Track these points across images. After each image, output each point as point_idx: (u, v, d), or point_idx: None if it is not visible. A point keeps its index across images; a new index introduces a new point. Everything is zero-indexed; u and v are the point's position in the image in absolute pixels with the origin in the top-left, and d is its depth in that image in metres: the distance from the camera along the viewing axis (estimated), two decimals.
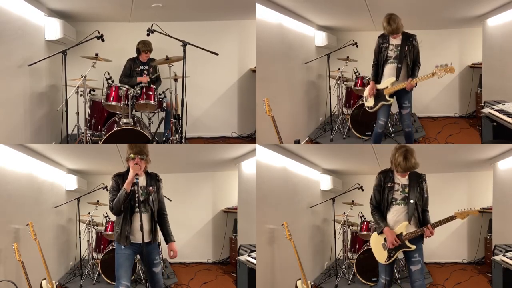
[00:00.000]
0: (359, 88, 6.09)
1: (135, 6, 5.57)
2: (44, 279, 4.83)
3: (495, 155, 5.60)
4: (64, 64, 4.89)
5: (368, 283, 5.69)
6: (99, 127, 5.37)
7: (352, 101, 6.24)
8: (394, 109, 5.58)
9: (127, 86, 5.14)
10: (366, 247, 5.67)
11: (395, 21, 4.35)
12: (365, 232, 5.92)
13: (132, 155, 3.74)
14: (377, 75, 4.58)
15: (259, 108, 5.00)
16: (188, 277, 6.05)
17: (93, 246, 6.11)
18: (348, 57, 6.20)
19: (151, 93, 5.19)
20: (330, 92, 6.29)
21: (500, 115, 4.86)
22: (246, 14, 5.83)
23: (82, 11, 5.78)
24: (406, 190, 3.84)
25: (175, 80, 5.30)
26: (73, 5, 5.57)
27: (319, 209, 6.35)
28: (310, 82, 6.48)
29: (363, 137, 5.91)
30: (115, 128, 4.93)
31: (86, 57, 5.22)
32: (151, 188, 3.85)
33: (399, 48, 4.45)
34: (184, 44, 4.88)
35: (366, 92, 4.67)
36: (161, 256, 5.76)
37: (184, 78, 4.91)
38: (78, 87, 5.08)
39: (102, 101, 5.24)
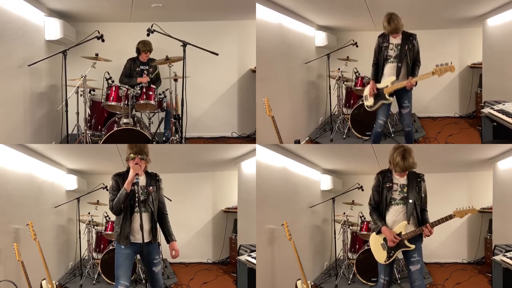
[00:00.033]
0: (359, 88, 6.09)
1: (135, 6, 5.57)
2: (44, 279, 4.83)
3: (495, 155, 5.60)
4: (64, 64, 4.89)
5: (368, 283, 5.69)
6: (99, 127, 5.37)
7: (352, 101, 6.24)
8: (394, 109, 5.58)
9: (127, 86, 5.15)
10: (366, 247, 5.67)
11: (395, 21, 4.35)
12: (365, 232, 5.92)
13: (132, 155, 3.74)
14: (377, 75, 4.58)
15: (259, 108, 5.00)
16: (188, 277, 6.05)
17: (93, 246, 6.11)
18: (348, 57, 6.20)
19: (151, 93, 5.20)
20: (330, 92, 6.29)
21: (500, 115, 4.86)
22: (246, 14, 5.83)
23: (82, 11, 5.78)
24: (405, 190, 3.85)
25: (175, 80, 5.30)
26: (73, 5, 5.57)
27: (319, 209, 6.35)
28: (310, 82, 6.48)
29: (363, 137, 5.91)
30: (115, 128, 4.93)
31: (86, 57, 5.22)
32: (151, 188, 3.85)
33: (399, 47, 4.45)
34: (184, 44, 4.88)
35: (366, 91, 4.67)
36: (161, 256, 5.77)
37: (184, 78, 4.91)
38: (78, 87, 5.08)
39: (102, 101, 5.24)
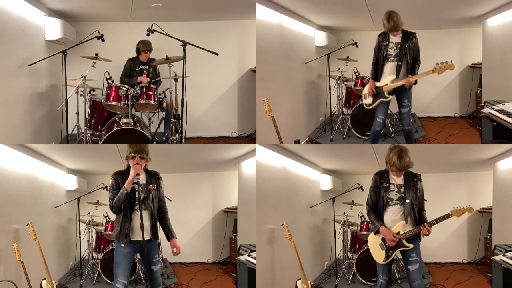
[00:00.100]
0: (359, 88, 6.09)
1: (135, 6, 5.57)
2: (44, 279, 4.83)
3: (495, 155, 5.60)
4: (64, 64, 4.89)
5: (368, 283, 5.69)
6: (99, 127, 5.37)
7: (352, 101, 6.24)
8: (394, 108, 5.59)
9: (127, 86, 5.15)
10: (366, 247, 5.67)
11: (395, 18, 4.35)
12: (365, 232, 5.92)
13: (132, 154, 3.74)
14: (377, 73, 4.59)
15: (259, 108, 5.00)
16: (188, 277, 6.05)
17: (93, 246, 6.11)
18: (348, 57, 6.20)
19: (151, 93, 5.20)
20: (330, 92, 6.29)
21: (500, 115, 4.86)
22: (246, 14, 5.83)
23: (82, 11, 5.78)
24: (402, 190, 3.85)
25: (175, 80, 5.30)
26: (73, 5, 5.57)
27: (319, 209, 6.35)
28: (310, 82, 6.48)
29: (363, 137, 5.91)
30: (115, 128, 4.93)
31: (86, 57, 5.22)
32: (151, 186, 3.84)
33: (399, 46, 4.45)
34: (184, 44, 4.88)
35: (365, 90, 4.67)
36: (161, 256, 5.77)
37: (184, 78, 4.91)
38: (78, 87, 5.08)
39: (102, 101, 5.24)
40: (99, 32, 4.87)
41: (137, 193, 3.73)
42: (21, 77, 4.97)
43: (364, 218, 6.01)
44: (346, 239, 6.15)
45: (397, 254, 3.91)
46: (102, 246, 6.02)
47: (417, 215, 3.85)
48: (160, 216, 3.95)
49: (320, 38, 6.56)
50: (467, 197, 6.68)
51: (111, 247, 5.61)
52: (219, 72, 6.39)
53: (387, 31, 4.46)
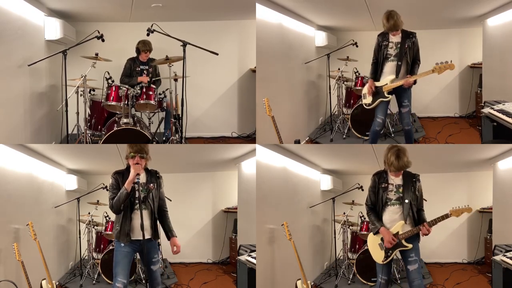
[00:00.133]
0: (359, 88, 6.09)
1: (135, 6, 5.57)
2: (44, 279, 4.83)
3: (495, 155, 5.60)
4: (64, 64, 4.89)
5: (368, 283, 5.69)
6: (99, 127, 5.37)
7: (352, 101, 6.24)
8: (394, 108, 5.59)
9: (127, 86, 5.15)
10: (366, 247, 5.67)
11: (395, 17, 4.36)
12: (365, 232, 5.92)
13: (132, 153, 3.73)
14: (376, 73, 4.59)
15: (259, 108, 5.00)
16: (188, 277, 6.04)
17: (93, 246, 6.11)
18: (348, 57, 6.20)
19: (151, 93, 5.20)
20: (330, 92, 6.29)
21: (500, 115, 4.86)
22: (246, 14, 5.83)
23: (82, 11, 5.78)
24: (400, 190, 3.86)
25: (175, 80, 5.30)
26: (73, 5, 5.57)
27: (319, 209, 6.35)
28: (310, 82, 6.48)
29: (363, 137, 5.91)
30: (115, 128, 4.93)
31: (86, 57, 5.22)
32: (151, 185, 3.84)
33: (399, 45, 4.45)
34: (184, 44, 4.88)
35: (365, 89, 4.67)
36: (161, 256, 5.77)
37: (184, 78, 4.91)
38: (78, 87, 5.08)
39: (102, 101, 5.24)
40: (99, 32, 4.87)
41: (137, 192, 3.73)
42: (21, 77, 4.97)
43: (364, 218, 6.00)
44: (346, 239, 6.15)
45: (397, 254, 3.91)
46: (102, 246, 6.02)
47: (416, 215, 3.86)
48: (160, 215, 3.95)
49: (320, 38, 6.57)
50: (467, 197, 6.68)
51: (111, 247, 5.61)
52: (219, 72, 6.39)
53: (386, 30, 4.46)
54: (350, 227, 6.20)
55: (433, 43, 6.46)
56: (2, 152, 4.74)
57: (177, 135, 5.19)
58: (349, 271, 5.95)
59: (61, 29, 5.58)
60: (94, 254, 6.08)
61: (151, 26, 4.77)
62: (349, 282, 5.84)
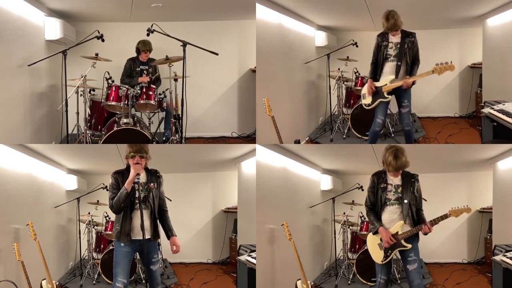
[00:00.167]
0: (359, 88, 6.09)
1: (135, 6, 5.57)
2: (44, 279, 4.83)
3: (495, 155, 5.60)
4: (64, 64, 4.89)
5: (368, 283, 5.69)
6: (99, 127, 5.37)
7: (352, 101, 6.24)
8: (394, 108, 5.59)
9: (127, 86, 5.15)
10: (366, 247, 5.66)
11: (394, 17, 4.36)
12: (365, 232, 5.91)
13: (132, 153, 3.73)
14: (376, 73, 4.59)
15: (259, 108, 5.00)
16: (188, 277, 6.04)
17: (93, 246, 6.11)
18: (348, 57, 6.20)
19: (151, 93, 5.20)
20: (330, 92, 6.29)
21: (500, 115, 4.86)
22: (246, 14, 5.83)
23: (82, 11, 5.78)
24: (399, 190, 3.86)
25: (175, 80, 5.30)
26: (73, 5, 5.57)
27: (319, 209, 6.35)
28: (310, 82, 6.48)
29: (363, 137, 5.91)
30: (115, 128, 4.93)
31: (86, 57, 5.22)
32: (151, 184, 3.84)
33: (398, 46, 4.45)
34: (184, 44, 4.88)
35: (364, 90, 4.67)
36: (161, 256, 5.77)
37: (184, 78, 4.91)
38: (78, 87, 5.08)
39: (102, 101, 5.24)
40: (99, 32, 4.88)
41: (137, 192, 3.72)
42: (21, 77, 4.97)
43: (364, 218, 6.00)
44: (346, 239, 6.15)
45: (397, 254, 3.91)
46: (102, 246, 6.02)
47: (415, 215, 3.86)
48: (160, 214, 3.95)
49: (320, 38, 6.57)
50: (467, 197, 6.68)
51: (111, 247, 5.61)
52: (219, 72, 6.39)
53: (386, 30, 4.46)
54: (350, 227, 6.20)
55: (433, 43, 6.46)
56: (2, 152, 4.74)
57: (177, 135, 5.19)
58: (349, 271, 5.95)
59: (61, 29, 5.58)
60: (94, 254, 6.08)
61: (151, 26, 4.77)
62: (349, 282, 5.84)
